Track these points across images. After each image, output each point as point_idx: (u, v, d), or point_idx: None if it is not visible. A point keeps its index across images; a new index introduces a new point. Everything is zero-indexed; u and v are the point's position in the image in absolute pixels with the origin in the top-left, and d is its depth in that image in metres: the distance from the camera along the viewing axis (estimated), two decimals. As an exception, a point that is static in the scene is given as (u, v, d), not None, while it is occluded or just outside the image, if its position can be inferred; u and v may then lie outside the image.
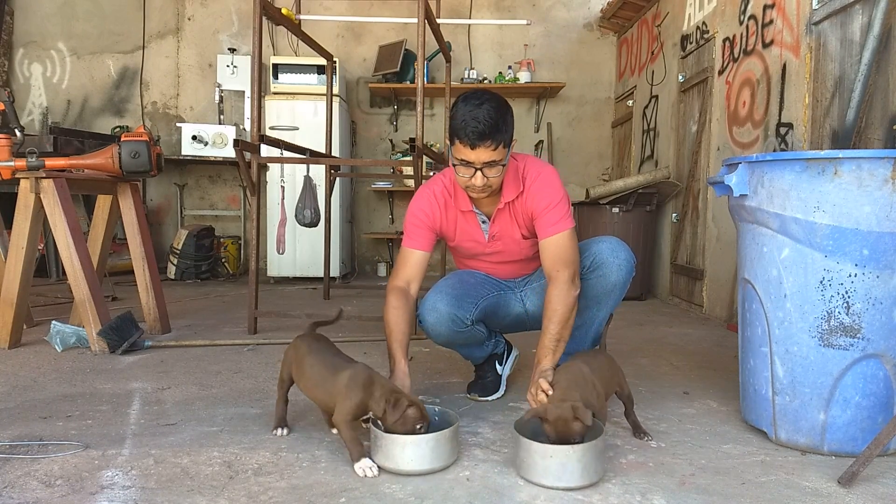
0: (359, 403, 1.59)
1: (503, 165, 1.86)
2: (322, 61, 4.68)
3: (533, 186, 1.95)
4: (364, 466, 1.53)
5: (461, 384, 2.33)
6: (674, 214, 4.55)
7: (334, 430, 1.75)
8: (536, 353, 1.85)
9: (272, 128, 5.34)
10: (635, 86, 5.54)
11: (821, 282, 1.66)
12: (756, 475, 1.58)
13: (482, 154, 1.79)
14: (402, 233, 6.63)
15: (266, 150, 3.55)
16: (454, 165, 1.87)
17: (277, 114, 5.45)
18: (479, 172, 1.83)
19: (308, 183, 3.66)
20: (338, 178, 4.99)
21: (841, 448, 1.70)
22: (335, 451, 1.67)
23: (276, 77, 5.50)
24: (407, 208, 2.09)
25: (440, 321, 2.00)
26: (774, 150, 3.22)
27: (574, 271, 1.89)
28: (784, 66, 3.17)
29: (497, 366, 2.25)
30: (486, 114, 1.77)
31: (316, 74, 5.48)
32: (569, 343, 1.96)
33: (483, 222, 2.05)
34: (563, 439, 1.48)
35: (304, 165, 3.60)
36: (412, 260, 2.01)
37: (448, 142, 1.89)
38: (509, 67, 5.98)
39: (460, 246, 2.13)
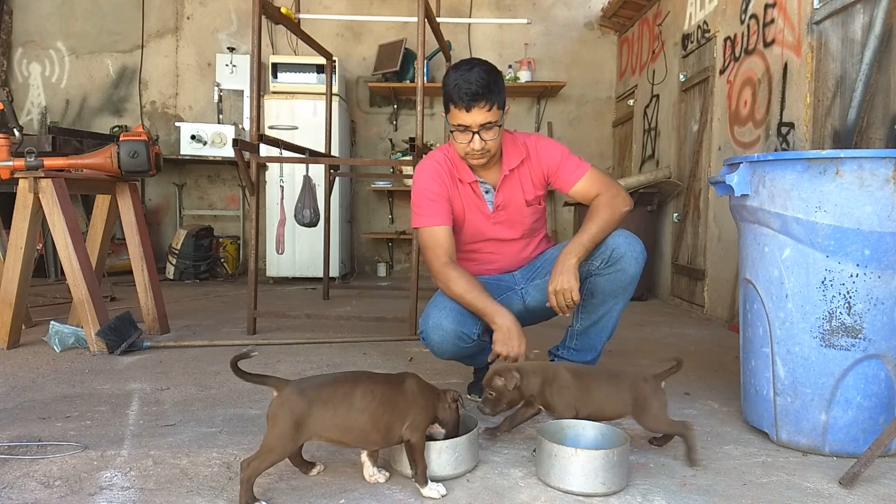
0: (434, 407, 1.47)
1: (500, 126, 1.89)
2: (321, 60, 4.67)
3: (538, 145, 2.04)
4: (439, 489, 1.41)
5: (461, 385, 2.32)
6: (675, 214, 4.54)
7: (372, 474, 1.50)
8: (566, 247, 1.90)
9: (271, 127, 5.34)
10: (636, 85, 5.53)
11: (822, 282, 1.66)
12: (757, 476, 1.57)
13: (478, 116, 1.82)
14: (402, 233, 6.61)
15: (265, 150, 3.54)
16: (451, 132, 1.89)
17: (277, 113, 5.44)
18: (476, 136, 1.85)
19: (307, 183, 3.66)
20: (337, 178, 4.99)
21: (842, 449, 1.69)
22: (334, 453, 1.66)
23: (275, 76, 5.49)
24: (412, 189, 2.03)
25: (446, 339, 1.91)
26: (776, 150, 3.22)
27: (624, 191, 1.98)
28: (785, 65, 3.17)
29: (498, 367, 2.24)
30: (477, 76, 1.81)
31: (315, 73, 5.48)
32: (590, 336, 2.05)
33: (487, 192, 2.05)
34: (484, 386, 1.63)
35: (304, 165, 3.59)
36: (441, 236, 1.95)
37: (443, 111, 1.91)
38: (510, 66, 5.97)
39: (466, 224, 2.07)
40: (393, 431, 1.42)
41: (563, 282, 1.84)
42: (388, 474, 1.51)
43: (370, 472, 1.50)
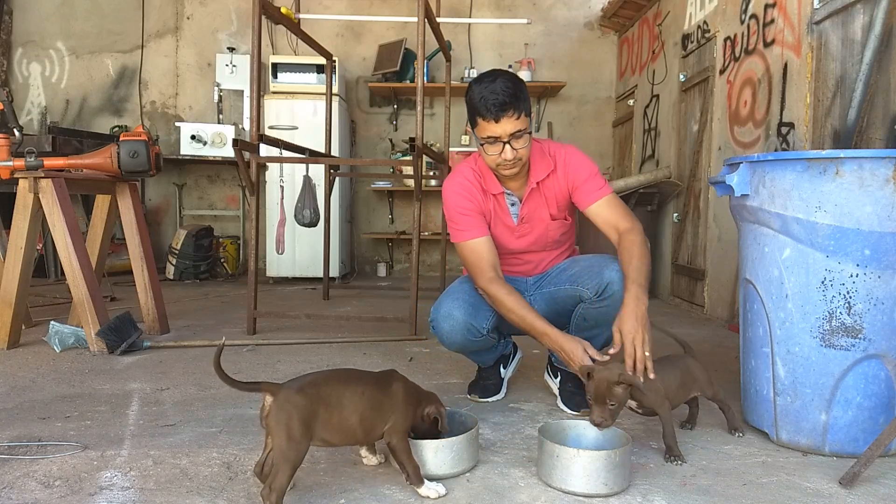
0: (415, 412, 1.49)
1: (529, 134, 1.87)
2: (321, 60, 4.67)
3: (567, 159, 1.99)
4: (437, 489, 1.41)
5: (461, 385, 2.32)
6: (675, 214, 4.54)
7: (371, 459, 1.59)
8: (629, 293, 1.80)
9: (271, 127, 5.34)
10: (636, 85, 5.53)
11: (822, 282, 1.66)
12: (757, 476, 1.57)
13: (507, 125, 1.80)
14: (402, 233, 6.61)
15: (265, 150, 3.54)
16: (481, 145, 1.88)
17: (277, 113, 5.44)
18: (507, 146, 1.83)
19: (307, 183, 3.66)
20: (337, 178, 4.99)
21: (842, 449, 1.69)
22: (333, 453, 1.66)
23: (275, 76, 5.49)
24: (444, 207, 2.03)
25: (455, 329, 1.94)
26: (776, 150, 3.22)
27: (641, 228, 1.94)
28: (785, 65, 3.17)
29: (501, 368, 2.24)
30: (502, 86, 1.79)
31: (315, 73, 5.48)
32: None
33: (513, 205, 2.04)
34: (599, 398, 1.55)
35: (304, 165, 3.59)
36: (483, 248, 1.94)
37: (469, 126, 1.91)
38: (510, 66, 5.96)
39: (492, 236, 2.05)
40: (375, 430, 1.43)
41: (638, 330, 1.77)
42: (382, 458, 1.58)
43: (363, 452, 1.59)
